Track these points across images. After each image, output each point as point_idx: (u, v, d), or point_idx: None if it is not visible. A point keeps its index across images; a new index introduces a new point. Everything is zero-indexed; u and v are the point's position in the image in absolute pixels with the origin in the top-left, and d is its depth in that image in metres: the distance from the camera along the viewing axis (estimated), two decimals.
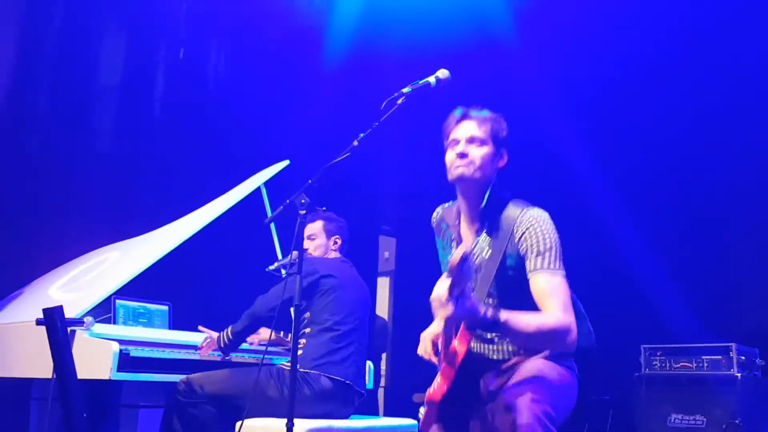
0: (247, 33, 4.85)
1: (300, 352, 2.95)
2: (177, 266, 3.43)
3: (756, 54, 4.16)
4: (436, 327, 2.13)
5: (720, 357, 3.58)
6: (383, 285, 6.78)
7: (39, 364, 2.77)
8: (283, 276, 3.55)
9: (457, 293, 1.67)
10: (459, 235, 2.14)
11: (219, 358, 3.12)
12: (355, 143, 2.29)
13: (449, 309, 1.68)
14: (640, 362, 3.82)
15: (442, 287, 1.70)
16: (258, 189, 3.73)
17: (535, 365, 1.92)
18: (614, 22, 4.53)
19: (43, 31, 4.03)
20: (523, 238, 1.98)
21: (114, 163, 4.26)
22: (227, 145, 4.78)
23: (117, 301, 3.29)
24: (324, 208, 3.09)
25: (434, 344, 2.11)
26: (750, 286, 4.17)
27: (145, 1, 4.45)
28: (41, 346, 2.64)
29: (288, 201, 2.41)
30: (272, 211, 3.76)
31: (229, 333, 3.04)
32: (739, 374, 3.51)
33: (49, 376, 2.51)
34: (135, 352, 2.78)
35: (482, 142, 2.06)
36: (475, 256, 2.04)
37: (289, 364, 2.83)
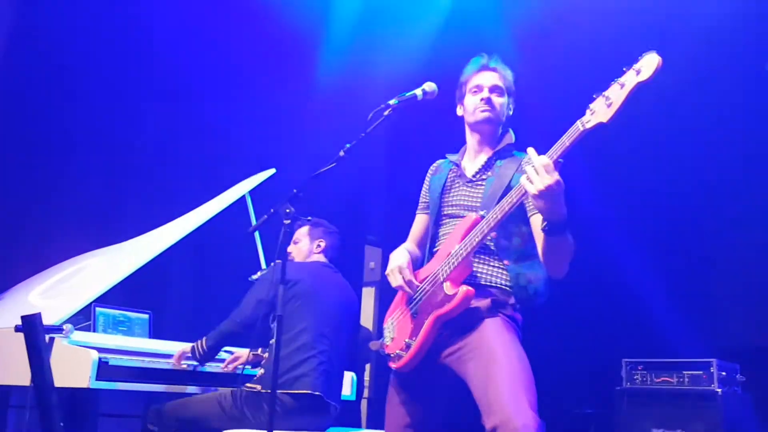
0: (234, 38, 4.84)
1: (261, 371, 2.90)
2: (159, 274, 3.40)
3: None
4: (401, 259, 2.22)
5: (701, 372, 3.60)
6: (368, 295, 6.75)
7: (18, 372, 2.72)
8: None
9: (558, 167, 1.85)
10: (459, 164, 2.32)
11: (191, 368, 3.09)
12: (342, 154, 2.31)
13: (555, 176, 1.84)
14: (622, 376, 3.84)
15: (544, 158, 1.85)
16: (243, 197, 3.72)
17: (501, 340, 2.02)
18: (612, 33, 4.57)
19: (32, 30, 4.01)
20: None
21: (98, 168, 4.24)
22: (213, 152, 4.77)
23: (97, 308, 3.27)
24: (310, 218, 3.10)
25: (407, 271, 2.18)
26: (731, 302, 4.21)
27: (136, 6, 4.43)
28: (20, 353, 2.60)
29: (272, 210, 2.42)
30: (257, 219, 3.74)
31: (204, 345, 2.99)
32: (719, 390, 3.52)
33: (27, 383, 2.48)
34: (114, 360, 2.76)
35: (501, 93, 2.30)
36: (483, 176, 2.25)
37: (252, 386, 2.85)
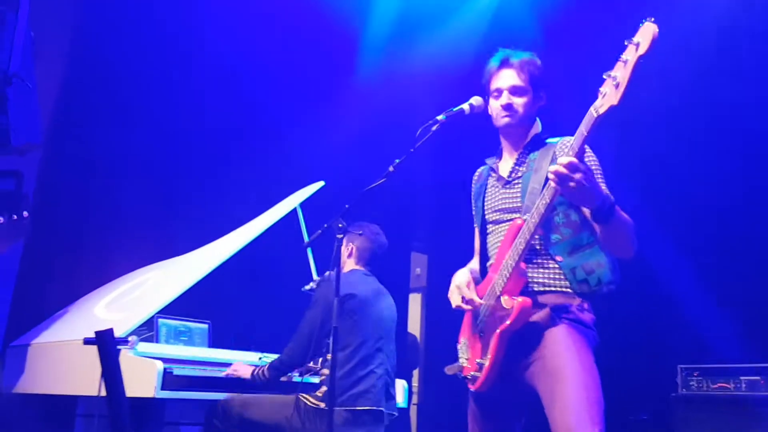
0: (284, 54, 4.94)
1: (324, 388, 2.93)
2: (217, 285, 3.52)
3: None
4: (460, 278, 2.21)
5: (758, 377, 3.54)
6: (415, 301, 6.80)
7: (85, 382, 2.89)
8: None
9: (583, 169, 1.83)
10: (497, 167, 2.30)
11: None
12: (391, 169, 2.37)
13: (582, 169, 1.82)
14: (677, 382, 3.80)
15: (567, 157, 1.83)
16: (294, 209, 3.81)
17: (566, 351, 1.98)
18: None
19: (89, 46, 4.19)
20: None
21: (156, 185, 4.40)
22: (266, 166, 4.88)
23: (159, 319, 3.39)
24: (360, 233, 3.16)
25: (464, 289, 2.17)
26: None
27: (189, 20, 4.59)
28: (87, 364, 2.77)
29: (326, 225, 2.51)
30: (307, 229, 3.84)
31: (266, 374, 3.04)
32: None
33: (95, 393, 2.62)
34: (178, 370, 2.89)
35: (524, 91, 2.21)
36: (518, 174, 2.21)
37: (316, 402, 2.90)
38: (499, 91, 2.22)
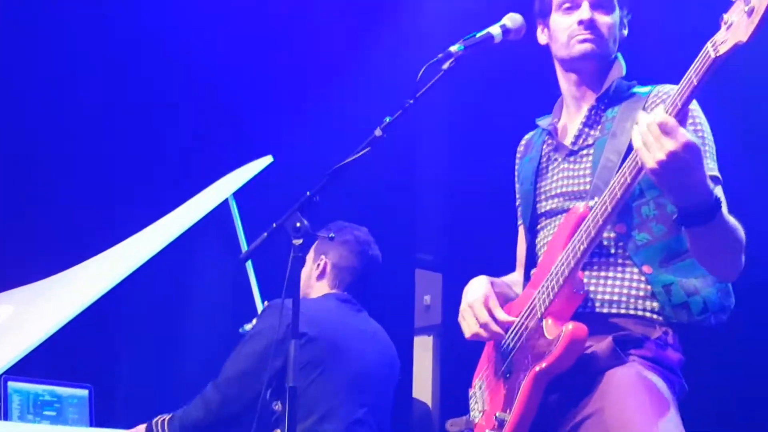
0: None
1: None
2: (102, 327, 3.47)
3: None
4: (477, 291, 2.26)
5: None
6: (423, 348, 6.79)
7: None
8: None
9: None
10: (555, 130, 2.38)
11: None
12: (378, 133, 2.30)
13: (681, 138, 1.80)
14: None
15: (660, 114, 1.85)
16: (225, 202, 3.79)
17: (638, 405, 2.03)
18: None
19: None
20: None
21: (16, 166, 4.51)
22: (189, 138, 5.01)
23: (9, 383, 3.35)
24: (332, 235, 3.11)
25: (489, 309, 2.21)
26: None
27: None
28: None
29: (274, 225, 2.41)
30: (246, 234, 3.81)
31: (166, 428, 3.04)
32: None
33: None
34: None
35: (610, 8, 2.31)
36: (589, 140, 2.30)
37: None
38: (575, 3, 2.28)
